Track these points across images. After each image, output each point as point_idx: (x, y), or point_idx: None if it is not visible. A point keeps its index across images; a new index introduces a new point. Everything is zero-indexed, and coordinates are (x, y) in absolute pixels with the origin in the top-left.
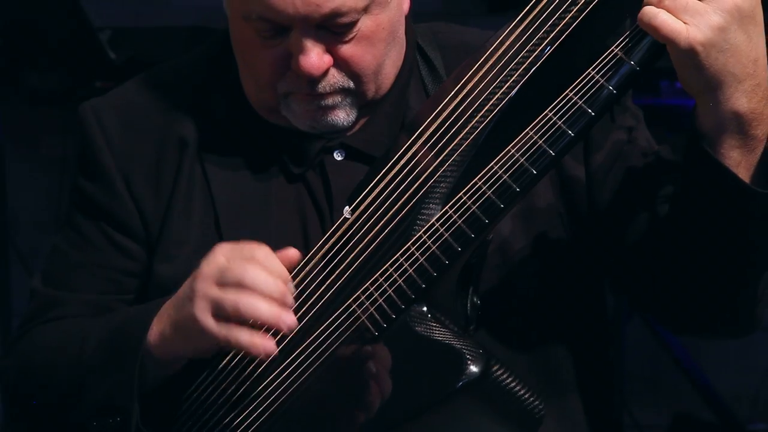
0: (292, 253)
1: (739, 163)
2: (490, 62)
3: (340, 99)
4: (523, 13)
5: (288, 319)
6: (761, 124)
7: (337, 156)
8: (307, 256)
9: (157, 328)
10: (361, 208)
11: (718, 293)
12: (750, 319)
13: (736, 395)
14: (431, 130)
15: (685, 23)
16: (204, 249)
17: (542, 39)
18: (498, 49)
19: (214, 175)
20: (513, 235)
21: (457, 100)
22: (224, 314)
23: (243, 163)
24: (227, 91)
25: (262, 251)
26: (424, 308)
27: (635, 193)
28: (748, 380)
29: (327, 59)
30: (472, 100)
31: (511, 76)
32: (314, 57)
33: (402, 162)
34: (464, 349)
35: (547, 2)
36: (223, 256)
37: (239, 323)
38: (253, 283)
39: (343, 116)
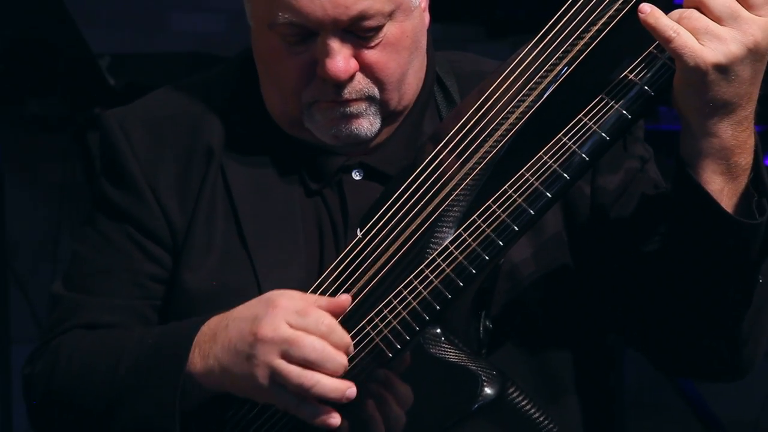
0: (344, 300)
1: (722, 189)
2: (505, 85)
3: (364, 107)
4: (538, 36)
5: (351, 393)
6: (744, 153)
7: (356, 175)
8: (321, 276)
9: (201, 363)
10: (375, 230)
11: (701, 328)
12: (736, 360)
13: (737, 421)
14: (444, 153)
15: (701, 44)
16: (228, 258)
17: (556, 63)
18: (512, 73)
19: (236, 186)
20: (522, 259)
21: (472, 122)
22: (286, 385)
23: (264, 175)
24: (251, 104)
25: (326, 322)
26: (438, 330)
27: (640, 222)
28: (748, 406)
29: (353, 64)
30: (486, 122)
31: (525, 100)
32: (341, 60)
33: (416, 184)
34: (480, 371)
35: (563, 24)
36: (285, 320)
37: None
38: (321, 362)
39: (366, 126)
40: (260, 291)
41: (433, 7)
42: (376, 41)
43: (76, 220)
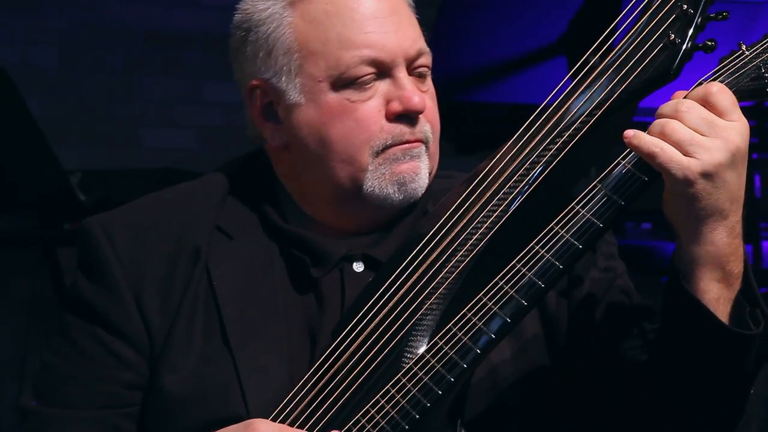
0: None
1: (719, 297)
2: (476, 194)
3: (424, 149)
4: (508, 144)
5: None
6: (737, 260)
7: (357, 267)
8: (300, 381)
9: None
10: (352, 335)
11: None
12: None
13: None
14: (418, 260)
15: (687, 155)
16: (210, 359)
17: (525, 174)
18: (483, 181)
19: (221, 286)
20: (502, 362)
21: (443, 231)
22: None
23: (251, 273)
24: (244, 206)
25: None
26: None
27: (615, 332)
28: None
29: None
30: (458, 232)
31: (495, 210)
32: (417, 92)
33: (388, 294)
34: None
35: (531, 134)
36: None
37: None
38: None
39: (423, 172)
40: (242, 391)
41: None
42: (428, 87)
43: (44, 336)
